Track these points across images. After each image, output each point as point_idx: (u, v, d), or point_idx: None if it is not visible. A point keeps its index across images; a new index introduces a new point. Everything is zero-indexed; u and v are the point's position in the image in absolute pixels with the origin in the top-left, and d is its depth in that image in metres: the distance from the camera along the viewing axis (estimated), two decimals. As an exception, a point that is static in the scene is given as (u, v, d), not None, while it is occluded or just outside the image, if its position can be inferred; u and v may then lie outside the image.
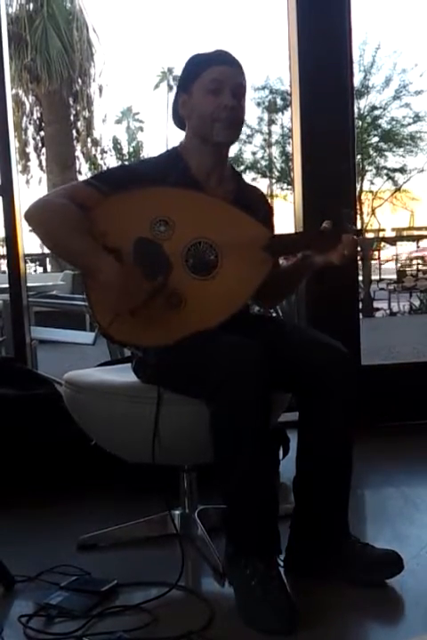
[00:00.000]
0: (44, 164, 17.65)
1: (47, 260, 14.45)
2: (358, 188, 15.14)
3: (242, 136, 15.29)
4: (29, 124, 17.76)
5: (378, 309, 10.26)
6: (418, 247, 10.65)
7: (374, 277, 10.22)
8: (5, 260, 3.24)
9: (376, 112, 17.16)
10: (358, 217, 15.49)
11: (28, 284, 3.42)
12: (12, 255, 3.10)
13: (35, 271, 12.86)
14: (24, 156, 17.79)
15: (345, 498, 1.85)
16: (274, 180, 17.97)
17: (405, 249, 10.66)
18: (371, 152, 17.50)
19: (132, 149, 22.41)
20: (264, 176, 17.97)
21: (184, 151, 1.96)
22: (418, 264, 10.12)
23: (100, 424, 2.01)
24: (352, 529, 1.86)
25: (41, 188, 18.58)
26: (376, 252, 10.17)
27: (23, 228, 3.18)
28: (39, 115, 17.50)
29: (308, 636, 1.58)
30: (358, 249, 1.89)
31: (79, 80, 16.66)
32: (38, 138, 17.82)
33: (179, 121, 1.99)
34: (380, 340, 7.06)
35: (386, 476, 2.69)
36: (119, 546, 2.08)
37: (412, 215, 19.84)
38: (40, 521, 2.29)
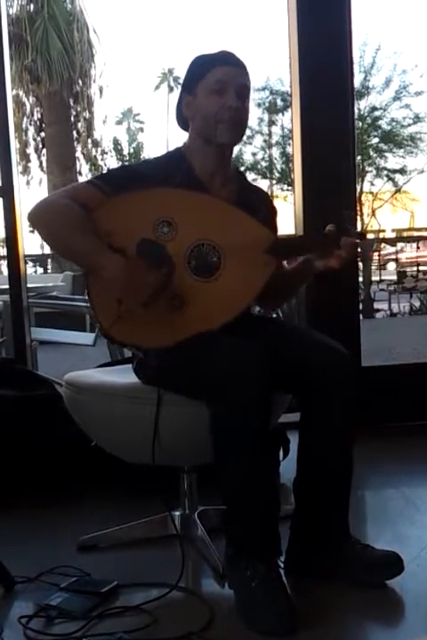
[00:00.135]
0: (44, 165, 17.66)
1: (48, 260, 14.45)
2: (358, 189, 15.15)
3: (242, 137, 15.22)
4: (30, 124, 17.77)
5: (378, 310, 10.26)
6: (418, 248, 10.65)
7: (374, 278, 10.22)
8: (5, 261, 3.24)
9: (376, 113, 17.20)
10: (359, 218, 15.48)
11: (29, 285, 3.41)
12: (13, 256, 3.10)
13: (35, 272, 12.85)
14: (24, 157, 17.79)
15: (346, 499, 1.85)
16: (274, 181, 18.00)
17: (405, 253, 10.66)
18: (371, 153, 17.53)
19: (132, 150, 22.44)
20: (264, 177, 18.00)
21: (188, 152, 1.96)
22: (418, 265, 10.11)
23: (100, 425, 2.01)
24: (352, 530, 1.86)
25: (41, 189, 18.62)
26: (377, 254, 10.17)
27: (23, 229, 3.18)
28: (40, 116, 17.51)
29: (308, 636, 1.58)
30: (358, 250, 1.88)
31: (80, 81, 16.66)
32: (39, 139, 17.83)
33: (182, 122, 1.98)
34: (380, 341, 7.06)
35: (386, 476, 2.69)
36: (119, 547, 2.08)
37: (412, 216, 19.87)
38: (40, 522, 2.29)
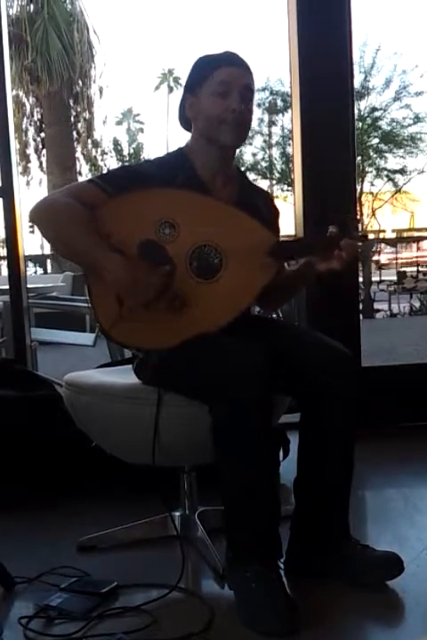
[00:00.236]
0: (44, 165, 17.65)
1: (47, 261, 14.45)
2: (358, 190, 15.15)
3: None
4: (30, 125, 17.77)
5: (378, 311, 10.27)
6: (418, 248, 10.65)
7: (374, 279, 10.22)
8: (6, 262, 3.24)
9: (376, 113, 17.20)
10: (358, 218, 15.45)
11: (29, 286, 3.42)
12: (13, 256, 3.10)
13: (35, 272, 12.85)
14: (24, 158, 17.79)
15: (346, 499, 1.85)
16: (274, 182, 18.00)
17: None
18: (371, 153, 17.53)
19: (132, 151, 22.45)
20: (265, 177, 18.00)
21: (190, 152, 1.95)
22: (418, 265, 10.12)
23: (100, 425, 2.01)
24: (352, 530, 1.86)
25: (41, 189, 18.61)
26: (377, 255, 10.17)
27: (23, 230, 3.18)
28: (39, 116, 17.50)
29: (308, 637, 1.58)
30: (360, 252, 1.88)
31: (80, 81, 16.65)
32: (39, 139, 17.82)
33: (185, 122, 1.98)
34: (380, 342, 7.06)
35: (387, 477, 2.69)
36: (119, 547, 2.08)
37: (412, 216, 19.87)
38: (40, 522, 2.29)
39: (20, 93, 16.68)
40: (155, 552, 2.04)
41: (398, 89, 16.67)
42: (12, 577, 1.84)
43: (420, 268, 10.12)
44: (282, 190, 17.88)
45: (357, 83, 15.84)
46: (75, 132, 17.42)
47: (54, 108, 16.26)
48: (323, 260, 1.81)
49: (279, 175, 18.24)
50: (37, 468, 2.46)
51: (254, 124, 17.79)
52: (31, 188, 18.61)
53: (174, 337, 1.78)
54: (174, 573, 1.79)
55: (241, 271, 1.81)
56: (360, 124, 16.50)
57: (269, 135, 18.80)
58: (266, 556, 1.70)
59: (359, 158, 16.71)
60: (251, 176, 17.06)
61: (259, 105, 17.84)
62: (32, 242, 20.19)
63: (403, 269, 10.29)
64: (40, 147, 17.83)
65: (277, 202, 2.17)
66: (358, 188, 16.17)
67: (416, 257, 10.31)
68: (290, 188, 16.60)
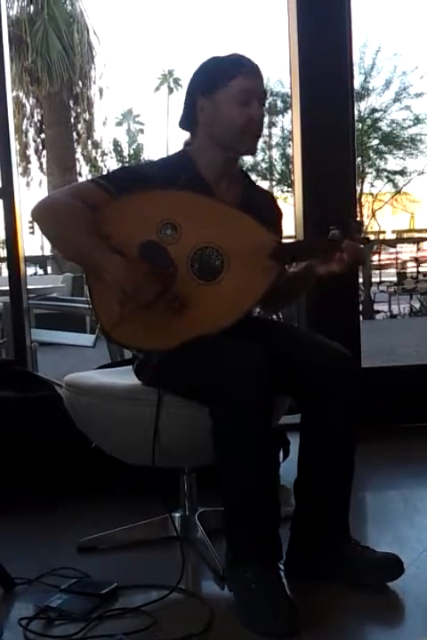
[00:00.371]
0: (44, 166, 17.65)
1: (47, 262, 14.45)
2: (358, 191, 15.15)
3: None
4: (30, 126, 17.77)
5: (378, 312, 10.27)
6: (418, 250, 10.66)
7: (374, 279, 10.22)
8: (6, 263, 3.24)
9: (376, 114, 17.20)
10: (358, 218, 15.45)
11: (29, 287, 3.41)
12: (13, 257, 3.10)
13: (35, 273, 12.85)
14: (24, 159, 17.79)
15: (346, 500, 1.85)
16: (274, 183, 17.99)
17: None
18: (371, 154, 17.53)
19: (132, 152, 22.43)
20: (265, 178, 17.99)
21: (195, 154, 1.93)
22: (418, 266, 10.12)
23: (100, 426, 2.01)
24: (353, 531, 1.86)
25: (41, 190, 18.62)
26: (377, 256, 10.18)
27: (24, 231, 3.18)
28: (40, 117, 17.51)
29: (308, 638, 1.58)
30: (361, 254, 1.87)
31: (80, 82, 16.66)
32: (39, 140, 17.82)
33: (189, 123, 1.95)
34: (380, 343, 7.06)
35: (387, 478, 2.69)
36: (119, 548, 2.08)
37: (412, 217, 19.87)
38: (40, 523, 2.29)
39: (21, 94, 16.69)
40: (155, 553, 2.04)
41: (398, 90, 16.68)
42: (12, 578, 1.84)
43: (420, 269, 10.12)
44: (282, 191, 17.88)
45: (357, 84, 15.84)
46: (75, 133, 17.43)
47: (54, 108, 16.27)
48: (325, 262, 1.80)
49: (279, 176, 18.24)
50: (37, 468, 2.46)
51: (254, 124, 17.82)
52: (31, 189, 18.63)
53: (175, 338, 1.78)
54: (174, 574, 1.79)
55: (243, 273, 1.80)
56: (360, 125, 16.50)
57: (269, 136, 18.80)
58: (266, 557, 1.70)
59: (359, 159, 16.71)
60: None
61: (259, 106, 17.83)
62: (32, 243, 20.18)
63: (403, 270, 10.30)
64: (40, 148, 17.84)
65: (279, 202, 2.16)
66: (358, 189, 16.17)
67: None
68: (290, 190, 16.61)
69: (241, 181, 2.00)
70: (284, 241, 1.95)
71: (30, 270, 12.13)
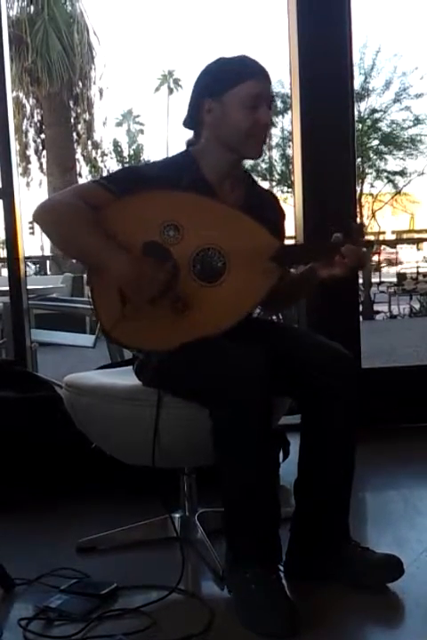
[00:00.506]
0: (44, 166, 17.66)
1: (47, 262, 14.45)
2: (358, 191, 15.15)
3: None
4: (30, 126, 17.79)
5: (378, 312, 10.28)
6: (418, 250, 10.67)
7: (373, 280, 10.24)
8: (5, 263, 3.24)
9: (376, 115, 17.19)
10: (358, 220, 15.47)
11: (28, 287, 3.42)
12: (13, 258, 3.10)
13: (36, 273, 12.86)
14: (24, 159, 17.80)
15: (346, 500, 1.85)
16: (274, 183, 17.99)
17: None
18: (371, 155, 17.52)
19: (132, 152, 22.44)
20: (264, 179, 17.98)
21: (198, 154, 1.92)
22: (418, 267, 10.13)
23: (100, 427, 2.01)
24: (353, 532, 1.86)
25: (41, 190, 18.63)
26: (377, 256, 10.18)
27: (23, 231, 3.18)
28: (40, 117, 17.52)
29: (308, 639, 1.58)
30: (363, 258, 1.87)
31: (80, 83, 16.67)
32: (39, 140, 17.84)
33: (194, 123, 1.94)
34: (380, 343, 7.06)
35: (387, 478, 2.69)
36: (119, 549, 2.07)
37: (412, 218, 19.88)
38: (40, 523, 2.29)
39: (21, 95, 16.70)
40: (155, 553, 2.04)
41: (398, 91, 16.68)
42: (11, 578, 1.84)
43: (420, 270, 10.14)
44: (282, 192, 17.86)
45: (357, 84, 15.83)
46: (75, 134, 17.44)
47: (54, 109, 16.27)
48: (326, 266, 1.80)
49: (279, 177, 18.23)
50: (37, 469, 2.46)
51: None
52: (31, 190, 18.65)
53: (175, 339, 1.78)
54: (174, 575, 1.79)
55: (244, 275, 1.80)
56: (360, 125, 16.50)
57: (269, 137, 18.80)
58: (266, 558, 1.70)
59: (359, 160, 16.70)
60: (251, 178, 17.02)
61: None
62: (32, 243, 20.18)
63: (403, 271, 10.31)
64: (40, 148, 17.85)
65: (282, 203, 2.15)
66: (358, 189, 16.16)
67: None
68: (290, 190, 16.60)
69: (244, 182, 1.99)
70: (286, 243, 1.95)
71: (29, 270, 12.13)
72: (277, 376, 1.72)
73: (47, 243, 18.86)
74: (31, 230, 17.67)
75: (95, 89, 17.03)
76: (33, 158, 18.13)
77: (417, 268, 10.25)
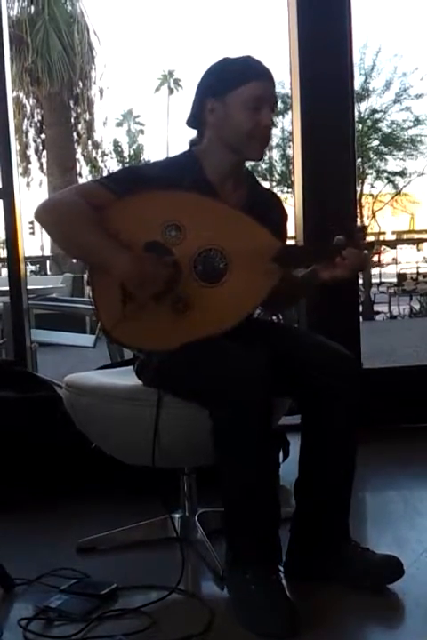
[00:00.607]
0: (44, 166, 17.66)
1: (47, 262, 14.45)
2: (358, 192, 15.15)
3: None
4: (30, 126, 17.78)
5: (378, 312, 10.28)
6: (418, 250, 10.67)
7: (374, 280, 10.24)
8: (6, 263, 3.24)
9: (377, 115, 17.19)
10: (359, 220, 15.49)
11: (28, 287, 3.42)
12: (13, 258, 3.10)
13: (35, 273, 12.86)
14: (25, 159, 17.80)
15: (347, 501, 1.85)
16: (274, 184, 17.99)
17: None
18: (371, 155, 17.52)
19: (132, 152, 22.43)
20: (265, 179, 17.98)
21: (201, 155, 1.92)
22: (418, 267, 10.14)
23: (100, 427, 2.01)
24: (353, 532, 1.86)
25: (41, 190, 18.63)
26: (377, 256, 10.18)
27: (24, 231, 3.17)
28: (40, 117, 17.52)
29: (308, 639, 1.58)
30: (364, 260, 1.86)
31: (80, 83, 16.67)
32: (39, 140, 17.83)
33: (197, 122, 1.93)
34: (380, 344, 7.06)
35: (387, 479, 2.69)
36: (119, 549, 2.07)
37: (412, 218, 19.87)
38: (40, 524, 2.29)
39: (21, 95, 16.70)
40: (155, 554, 2.04)
41: (399, 91, 16.67)
42: (11, 578, 1.84)
43: (420, 270, 10.14)
44: (282, 192, 17.86)
45: (357, 85, 15.83)
46: (75, 134, 17.44)
47: (55, 109, 16.28)
48: (327, 267, 1.80)
49: (279, 177, 18.23)
50: (37, 469, 2.46)
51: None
52: (31, 190, 18.64)
53: (176, 340, 1.78)
54: (174, 575, 1.79)
55: (246, 276, 1.80)
56: (360, 125, 16.49)
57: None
58: (266, 558, 1.70)
59: (359, 160, 16.70)
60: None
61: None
62: (32, 243, 20.19)
63: (403, 271, 10.31)
64: (40, 148, 17.85)
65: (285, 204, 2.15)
66: (358, 189, 16.16)
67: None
68: (290, 190, 16.60)
69: (247, 182, 1.99)
70: (288, 244, 1.94)
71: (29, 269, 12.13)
72: (278, 376, 1.72)
73: (47, 243, 18.89)
74: (31, 230, 17.68)
75: (95, 89, 17.05)
76: (33, 158, 18.14)
77: (417, 268, 10.25)
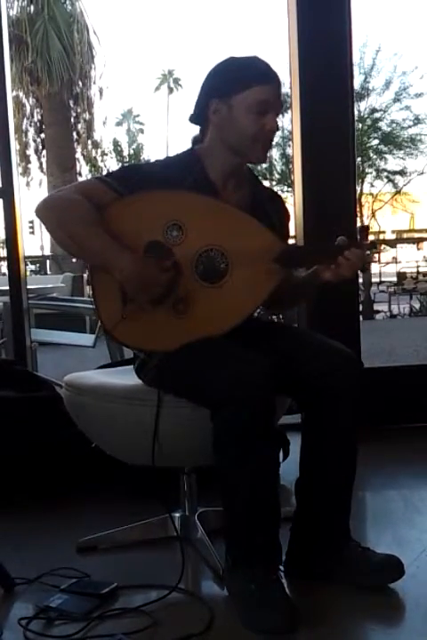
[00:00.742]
0: (44, 166, 17.66)
1: (47, 262, 14.45)
2: (358, 191, 15.14)
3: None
4: (30, 126, 17.78)
5: (378, 312, 10.27)
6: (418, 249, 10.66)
7: (374, 280, 10.22)
8: (6, 262, 3.24)
9: (376, 114, 17.19)
10: (359, 220, 15.49)
11: (28, 287, 3.42)
12: (13, 257, 3.10)
13: (35, 273, 12.86)
14: (24, 159, 17.80)
15: (347, 501, 1.85)
16: (274, 183, 17.98)
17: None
18: (371, 154, 17.52)
19: (132, 151, 22.42)
20: (264, 178, 17.98)
21: (203, 154, 1.91)
22: (418, 266, 10.12)
23: (100, 426, 2.01)
24: (353, 531, 1.86)
25: (41, 190, 18.63)
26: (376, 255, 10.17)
27: (23, 230, 3.17)
28: (40, 117, 17.51)
29: (308, 637, 1.58)
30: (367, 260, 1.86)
31: (80, 82, 16.67)
32: (39, 140, 17.83)
33: (200, 120, 1.92)
34: (380, 343, 7.06)
35: (387, 478, 2.69)
36: (119, 548, 2.07)
37: (412, 218, 19.87)
38: (40, 523, 2.29)
39: (21, 94, 16.70)
40: (155, 553, 2.04)
41: (398, 90, 16.67)
42: (11, 578, 1.84)
43: (420, 269, 10.12)
44: (282, 191, 17.86)
45: (357, 84, 15.82)
46: (75, 133, 17.44)
47: (54, 108, 16.28)
48: (329, 268, 1.79)
49: (279, 176, 18.23)
50: (37, 468, 2.46)
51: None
52: (31, 189, 18.65)
53: (176, 340, 1.78)
54: (174, 574, 1.79)
55: (247, 276, 1.79)
56: (360, 125, 16.49)
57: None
58: (266, 558, 1.70)
59: (359, 159, 16.70)
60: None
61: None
62: (32, 243, 20.18)
63: (403, 270, 10.30)
64: (40, 147, 17.85)
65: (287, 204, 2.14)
66: (358, 189, 16.15)
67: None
68: (290, 190, 16.60)
69: (249, 182, 1.98)
70: (289, 244, 1.94)
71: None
72: (279, 376, 1.72)
73: (47, 242, 18.88)
74: (31, 230, 17.68)
75: (95, 88, 17.05)
76: (33, 158, 18.14)
77: (417, 267, 10.24)
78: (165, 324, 1.79)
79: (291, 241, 2.20)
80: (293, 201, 3.29)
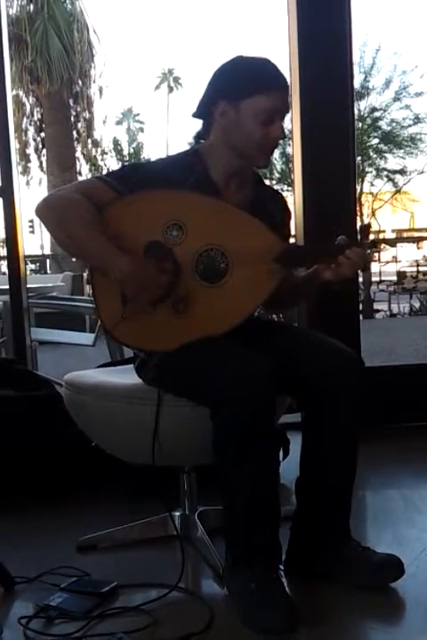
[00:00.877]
0: (44, 165, 17.66)
1: (47, 261, 14.45)
2: (358, 190, 15.14)
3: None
4: (30, 125, 17.78)
5: (378, 311, 10.27)
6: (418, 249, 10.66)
7: (374, 279, 10.22)
8: (6, 262, 3.24)
9: (376, 114, 17.19)
10: (359, 219, 15.49)
11: (28, 286, 3.42)
12: (12, 256, 3.10)
13: (35, 272, 12.86)
14: (24, 158, 17.80)
15: (348, 500, 1.85)
16: (274, 182, 17.98)
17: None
18: (371, 153, 17.52)
19: (132, 150, 22.42)
20: (264, 177, 17.97)
21: (206, 153, 1.90)
22: (418, 266, 10.12)
23: (100, 425, 2.01)
24: (353, 530, 1.86)
25: (41, 189, 18.62)
26: (376, 254, 10.16)
27: (23, 229, 3.17)
28: (39, 116, 17.51)
29: (308, 636, 1.58)
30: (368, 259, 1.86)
31: (79, 81, 16.66)
32: (38, 139, 17.83)
33: (204, 117, 1.90)
34: (380, 342, 7.06)
35: (387, 477, 2.69)
36: (119, 547, 2.08)
37: (412, 217, 19.86)
38: (40, 522, 2.29)
39: (20, 93, 16.69)
40: (155, 552, 2.04)
41: (398, 89, 16.67)
42: (11, 577, 1.84)
43: (420, 268, 10.12)
44: (282, 190, 17.88)
45: (357, 83, 15.84)
46: (75, 132, 17.43)
47: (54, 107, 16.27)
48: (330, 268, 1.79)
49: (279, 175, 18.23)
50: (37, 467, 2.46)
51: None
52: (31, 188, 18.64)
53: (176, 340, 1.78)
54: (174, 573, 1.79)
55: (247, 276, 1.79)
56: (360, 124, 16.49)
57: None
58: (266, 557, 1.70)
59: (359, 158, 16.70)
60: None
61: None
62: (32, 242, 20.18)
63: (403, 269, 10.30)
64: (40, 146, 17.84)
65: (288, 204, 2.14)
66: (358, 188, 16.16)
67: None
68: (290, 189, 16.60)
69: (252, 182, 1.97)
70: (290, 244, 1.93)
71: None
72: (279, 375, 1.71)
73: (47, 241, 18.88)
74: (31, 229, 17.68)
75: (95, 87, 17.04)
76: (33, 157, 18.14)
77: (417, 266, 10.24)
78: (165, 324, 1.79)
79: (291, 240, 2.19)
80: (293, 200, 3.29)
